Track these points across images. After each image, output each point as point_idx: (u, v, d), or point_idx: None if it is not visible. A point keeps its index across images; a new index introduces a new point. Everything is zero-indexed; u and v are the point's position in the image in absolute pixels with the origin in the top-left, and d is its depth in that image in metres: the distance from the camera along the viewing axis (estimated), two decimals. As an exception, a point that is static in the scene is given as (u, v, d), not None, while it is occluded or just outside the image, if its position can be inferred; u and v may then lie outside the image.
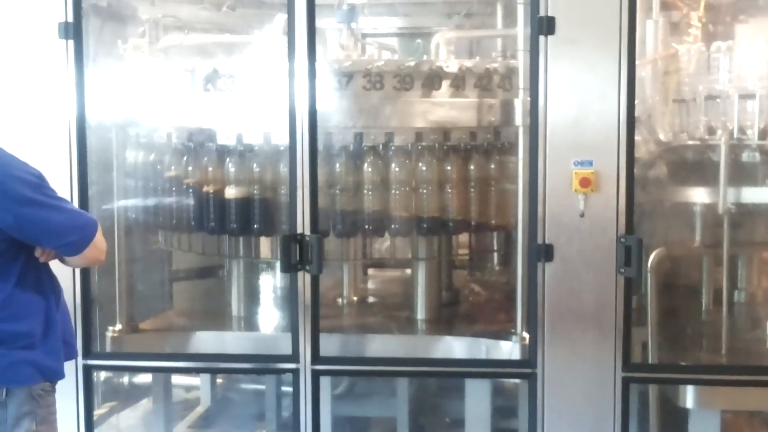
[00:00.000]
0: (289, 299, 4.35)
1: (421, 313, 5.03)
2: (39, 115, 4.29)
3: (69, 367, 4.23)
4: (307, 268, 4.20)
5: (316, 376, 4.30)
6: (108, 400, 4.97)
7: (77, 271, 4.29)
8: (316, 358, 4.29)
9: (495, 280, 5.37)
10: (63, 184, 4.27)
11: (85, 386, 4.37)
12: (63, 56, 4.25)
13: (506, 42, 5.16)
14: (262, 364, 4.58)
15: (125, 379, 5.40)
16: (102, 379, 4.93)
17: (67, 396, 4.34)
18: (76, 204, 4.25)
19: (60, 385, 4.23)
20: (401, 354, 4.66)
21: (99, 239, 3.20)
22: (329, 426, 4.63)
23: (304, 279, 4.24)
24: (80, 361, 4.32)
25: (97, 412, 4.66)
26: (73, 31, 4.24)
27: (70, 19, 4.23)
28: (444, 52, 5.03)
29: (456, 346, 4.67)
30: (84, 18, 4.30)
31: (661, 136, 4.74)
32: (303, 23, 4.14)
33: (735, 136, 4.47)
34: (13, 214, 3.00)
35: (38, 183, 3.10)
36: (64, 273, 4.21)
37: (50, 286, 3.24)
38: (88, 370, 4.37)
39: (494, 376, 4.65)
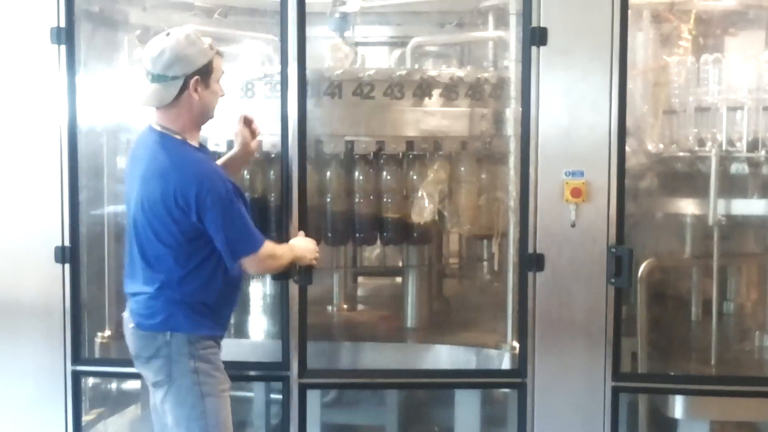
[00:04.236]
0: (280, 308, 4.33)
1: (411, 322, 5.04)
2: (30, 120, 4.28)
3: (58, 372, 4.28)
4: (295, 278, 4.16)
5: (303, 389, 4.27)
6: (96, 407, 4.95)
7: (66, 276, 4.28)
8: (303, 371, 4.26)
9: (485, 289, 5.38)
10: (53, 189, 4.27)
11: (74, 392, 4.35)
12: (55, 61, 4.24)
13: (497, 51, 5.17)
14: (252, 372, 4.56)
15: (113, 386, 5.37)
16: (90, 385, 4.90)
17: (55, 402, 4.34)
18: (66, 209, 4.26)
19: (48, 391, 4.31)
20: (391, 361, 4.66)
21: (263, 256, 3.63)
22: (318, 422, 4.63)
23: (293, 288, 4.23)
24: (69, 366, 4.32)
25: (85, 419, 4.64)
26: (66, 36, 4.23)
27: (63, 24, 4.22)
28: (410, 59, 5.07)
29: (446, 355, 4.68)
30: (76, 23, 4.29)
31: (651, 148, 4.76)
32: (294, 31, 4.14)
33: (724, 148, 4.50)
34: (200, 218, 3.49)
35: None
36: (55, 276, 4.25)
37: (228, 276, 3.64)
38: (76, 376, 4.35)
39: (484, 387, 4.64)
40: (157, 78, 3.48)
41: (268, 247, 3.66)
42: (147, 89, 3.52)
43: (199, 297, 3.57)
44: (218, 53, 3.60)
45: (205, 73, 3.53)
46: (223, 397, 3.63)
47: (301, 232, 4.06)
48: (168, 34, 3.51)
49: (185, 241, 3.50)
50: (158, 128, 3.57)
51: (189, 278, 3.55)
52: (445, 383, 4.62)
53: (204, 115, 3.63)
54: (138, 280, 3.65)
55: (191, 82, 3.49)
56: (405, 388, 4.89)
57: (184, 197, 3.43)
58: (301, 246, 3.96)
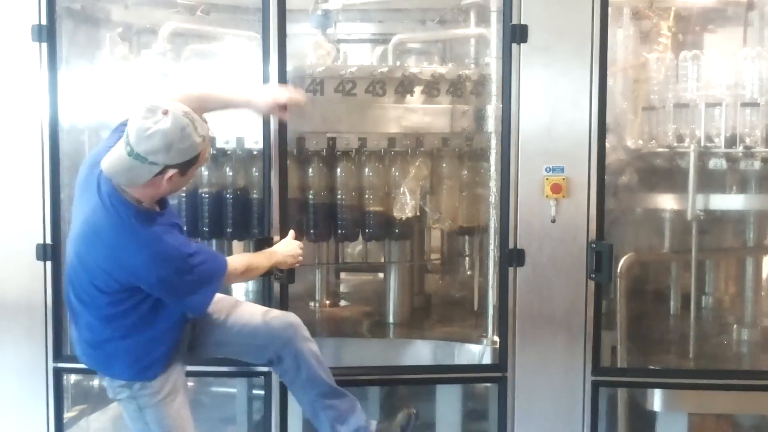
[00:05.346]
0: (261, 302, 4.33)
1: (392, 317, 5.07)
2: (11, 118, 4.27)
3: (39, 369, 4.28)
4: (276, 275, 4.13)
5: (284, 389, 4.22)
6: (78, 403, 4.93)
7: (48, 272, 4.28)
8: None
9: (466, 284, 5.40)
10: (35, 187, 4.26)
11: (56, 389, 4.35)
12: (36, 59, 4.23)
13: (479, 48, 5.20)
14: (234, 368, 4.56)
15: (95, 383, 5.36)
16: (72, 382, 4.90)
17: (37, 399, 4.34)
18: (47, 207, 4.25)
19: (30, 388, 4.30)
20: (373, 357, 4.68)
21: (235, 275, 3.65)
22: (299, 429, 4.64)
23: (274, 286, 4.22)
24: (50, 363, 4.32)
25: (67, 415, 4.63)
26: (47, 33, 4.22)
27: (44, 21, 4.21)
28: (392, 56, 5.08)
29: (427, 350, 4.70)
30: (57, 21, 4.28)
31: (630, 144, 4.80)
32: (275, 27, 4.14)
33: (703, 143, 4.54)
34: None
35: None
36: (36, 273, 4.24)
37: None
38: (58, 373, 4.35)
39: (465, 382, 4.69)
40: (135, 156, 3.19)
41: (237, 265, 3.62)
42: (120, 160, 3.22)
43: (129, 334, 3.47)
44: (208, 142, 3.36)
45: (187, 165, 3.30)
46: (165, 404, 3.58)
47: (291, 233, 4.03)
48: (166, 113, 3.19)
49: (123, 289, 3.39)
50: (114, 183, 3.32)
51: (121, 315, 3.44)
52: (426, 379, 4.64)
53: (165, 195, 3.44)
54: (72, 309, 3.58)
55: (168, 173, 3.26)
56: (386, 384, 4.91)
57: (134, 275, 3.32)
58: (284, 251, 3.91)
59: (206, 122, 3.37)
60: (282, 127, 4.16)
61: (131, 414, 3.61)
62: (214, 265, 3.50)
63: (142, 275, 3.32)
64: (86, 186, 3.41)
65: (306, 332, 3.83)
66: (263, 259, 3.83)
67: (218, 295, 3.71)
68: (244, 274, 3.75)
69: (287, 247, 3.94)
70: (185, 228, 4.60)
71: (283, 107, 3.89)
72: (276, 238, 4.13)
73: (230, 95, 3.85)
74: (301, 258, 3.98)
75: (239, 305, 3.86)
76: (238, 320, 3.77)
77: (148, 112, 3.21)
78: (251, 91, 3.88)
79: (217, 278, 3.50)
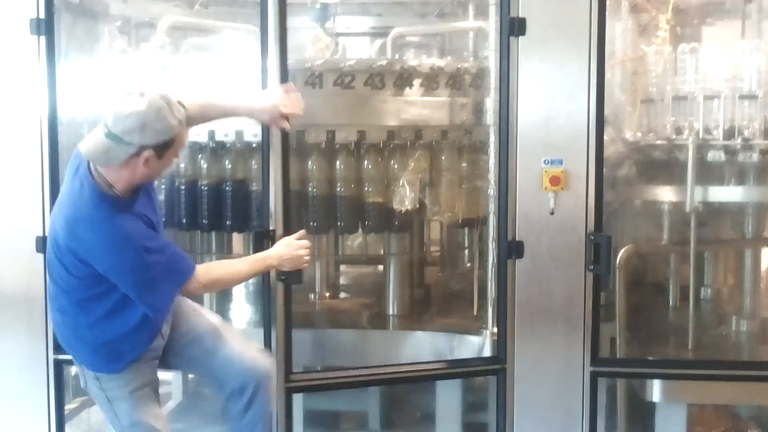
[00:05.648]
0: (261, 298, 4.30)
1: (392, 309, 5.08)
2: (10, 111, 4.26)
3: (40, 362, 4.29)
4: (282, 277, 4.04)
5: (288, 393, 4.18)
6: (79, 395, 4.94)
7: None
8: (288, 374, 4.16)
9: (466, 276, 5.42)
10: (34, 179, 4.26)
11: (56, 381, 4.35)
12: (35, 52, 4.22)
13: (477, 42, 5.21)
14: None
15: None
16: (73, 373, 4.92)
17: (38, 391, 4.34)
18: (47, 199, 4.24)
19: (31, 380, 4.31)
20: (373, 348, 4.71)
21: (197, 287, 3.52)
22: (301, 420, 4.65)
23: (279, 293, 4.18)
24: (51, 355, 4.32)
25: (68, 407, 4.65)
26: (45, 27, 4.21)
27: (42, 15, 4.20)
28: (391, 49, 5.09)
29: (427, 341, 4.72)
30: (56, 14, 4.27)
31: (629, 136, 4.81)
32: (275, 21, 4.13)
33: (701, 136, 4.55)
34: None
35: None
36: (36, 266, 4.25)
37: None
38: (59, 365, 4.35)
39: (465, 376, 4.69)
40: (112, 137, 3.22)
41: (203, 276, 3.50)
42: (97, 142, 3.25)
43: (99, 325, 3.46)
44: (184, 126, 3.36)
45: (163, 148, 3.29)
46: (135, 397, 3.55)
47: (301, 232, 3.84)
48: (142, 95, 3.24)
49: (90, 274, 3.37)
50: (90, 165, 3.33)
51: (91, 301, 3.43)
52: (426, 375, 4.63)
53: (143, 180, 3.40)
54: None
55: (144, 154, 3.25)
56: (386, 384, 4.90)
57: (89, 253, 3.30)
58: (281, 254, 3.74)
59: (184, 107, 3.37)
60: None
61: (102, 405, 3.62)
62: (174, 268, 3.43)
63: (96, 254, 3.29)
64: (69, 171, 3.45)
65: (275, 384, 3.77)
66: (246, 267, 3.68)
67: (207, 312, 3.77)
68: (211, 286, 3.73)
69: (285, 250, 3.75)
70: (185, 221, 4.73)
71: (285, 117, 3.83)
72: (277, 230, 4.12)
73: (232, 104, 3.82)
74: (307, 258, 3.79)
75: (226, 330, 3.77)
76: (218, 342, 3.69)
77: (125, 95, 3.26)
78: (253, 100, 3.84)
79: (175, 282, 3.44)
